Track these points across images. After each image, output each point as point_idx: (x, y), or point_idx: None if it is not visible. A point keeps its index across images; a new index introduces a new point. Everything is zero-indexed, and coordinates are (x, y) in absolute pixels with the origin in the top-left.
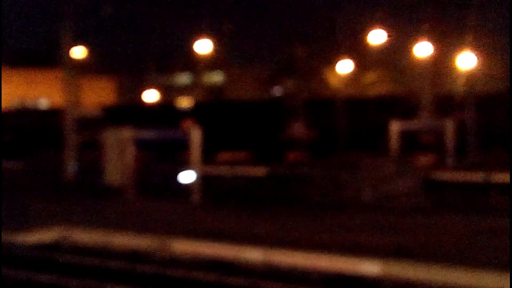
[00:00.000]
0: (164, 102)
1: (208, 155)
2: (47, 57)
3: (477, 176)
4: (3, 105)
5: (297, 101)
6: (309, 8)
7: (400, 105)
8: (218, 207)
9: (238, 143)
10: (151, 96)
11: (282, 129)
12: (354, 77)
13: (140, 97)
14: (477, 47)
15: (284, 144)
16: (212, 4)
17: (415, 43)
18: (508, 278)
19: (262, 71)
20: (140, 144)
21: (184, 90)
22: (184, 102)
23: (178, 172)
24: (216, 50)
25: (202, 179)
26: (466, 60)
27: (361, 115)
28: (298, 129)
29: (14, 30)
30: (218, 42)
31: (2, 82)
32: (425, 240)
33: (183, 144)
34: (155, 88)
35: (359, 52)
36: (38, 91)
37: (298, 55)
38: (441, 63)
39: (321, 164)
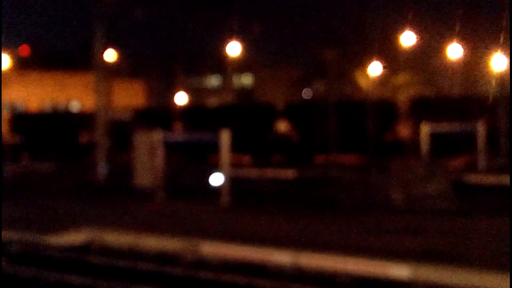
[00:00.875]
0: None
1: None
2: (79, 60)
3: (506, 178)
4: (34, 107)
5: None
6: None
7: (431, 107)
8: (247, 209)
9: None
10: (181, 98)
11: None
12: (384, 79)
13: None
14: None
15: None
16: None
17: (446, 45)
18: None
19: (291, 73)
20: (170, 147)
21: (213, 92)
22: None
23: (208, 174)
24: (245, 52)
25: (231, 181)
26: (499, 62)
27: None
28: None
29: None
30: (247, 44)
31: (35, 85)
32: (455, 243)
33: (213, 147)
34: (185, 90)
35: (390, 54)
36: (70, 94)
37: (329, 57)
38: (473, 65)
39: (352, 166)
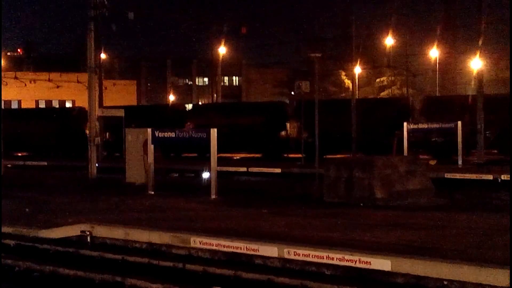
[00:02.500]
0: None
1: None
2: (72, 62)
3: (486, 175)
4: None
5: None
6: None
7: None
8: (234, 204)
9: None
10: (170, 97)
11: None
12: (367, 80)
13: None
14: (487, 52)
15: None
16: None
17: (427, 48)
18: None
19: (278, 74)
20: (160, 143)
21: (202, 92)
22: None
23: (197, 170)
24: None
25: (219, 177)
26: (476, 64)
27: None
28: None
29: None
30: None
31: (29, 85)
32: (435, 237)
33: (202, 144)
34: (174, 90)
35: (373, 55)
36: (64, 94)
37: (314, 58)
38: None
39: (335, 163)
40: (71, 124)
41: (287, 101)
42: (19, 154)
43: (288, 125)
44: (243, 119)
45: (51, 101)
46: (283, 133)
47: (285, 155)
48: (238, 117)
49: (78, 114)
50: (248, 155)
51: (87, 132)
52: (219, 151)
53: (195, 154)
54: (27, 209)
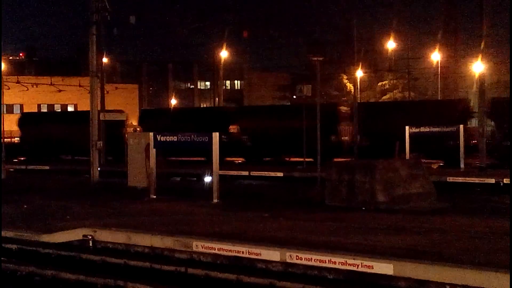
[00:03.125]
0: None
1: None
2: (74, 66)
3: (488, 178)
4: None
5: None
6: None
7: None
8: (235, 208)
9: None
10: (172, 101)
11: None
12: (369, 84)
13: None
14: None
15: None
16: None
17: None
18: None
19: (280, 78)
20: (163, 148)
21: (203, 96)
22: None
23: (199, 174)
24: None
25: (221, 180)
26: (478, 68)
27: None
28: None
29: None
30: (237, 49)
31: (31, 89)
32: (437, 241)
33: (205, 148)
34: (176, 94)
35: (375, 59)
36: (66, 98)
37: (316, 62)
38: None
39: (336, 167)
40: (111, 129)
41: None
42: (67, 158)
43: (340, 128)
44: (295, 122)
45: (53, 105)
46: (333, 137)
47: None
48: (290, 119)
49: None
50: (299, 159)
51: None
52: (270, 155)
53: (202, 158)
54: (28, 213)
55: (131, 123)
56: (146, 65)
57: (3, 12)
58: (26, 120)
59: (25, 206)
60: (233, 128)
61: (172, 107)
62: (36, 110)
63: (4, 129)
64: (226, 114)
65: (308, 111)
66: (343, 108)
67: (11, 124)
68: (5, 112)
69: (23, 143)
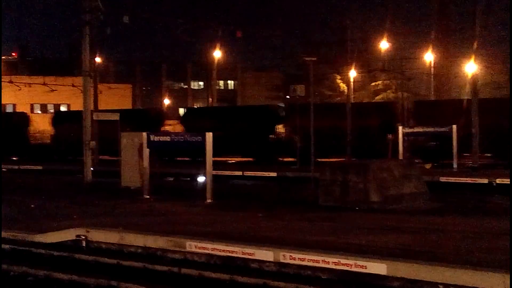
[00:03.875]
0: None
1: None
2: (67, 65)
3: (481, 179)
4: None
5: None
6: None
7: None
8: (229, 208)
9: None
10: (166, 101)
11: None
12: (362, 84)
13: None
14: (481, 56)
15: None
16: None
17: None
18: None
19: (273, 78)
20: (156, 148)
21: (197, 96)
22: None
23: (192, 174)
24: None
25: (215, 181)
26: (470, 68)
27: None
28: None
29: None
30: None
31: (24, 89)
32: (430, 241)
33: (198, 147)
34: (169, 94)
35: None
36: (59, 98)
37: (309, 62)
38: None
39: (330, 167)
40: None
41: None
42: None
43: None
44: (362, 121)
45: (46, 105)
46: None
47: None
48: (358, 119)
49: (157, 116)
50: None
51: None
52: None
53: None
54: (21, 214)
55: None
56: (139, 65)
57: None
58: (59, 118)
59: (17, 206)
60: (282, 127)
61: (217, 106)
62: (29, 110)
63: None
64: (274, 112)
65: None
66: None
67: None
68: None
69: (56, 143)
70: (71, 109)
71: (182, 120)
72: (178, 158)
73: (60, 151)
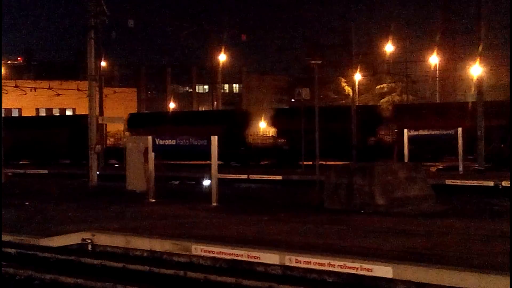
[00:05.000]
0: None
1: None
2: (72, 69)
3: (487, 181)
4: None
5: None
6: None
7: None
8: (234, 211)
9: None
10: (171, 105)
11: None
12: (367, 87)
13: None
14: (487, 58)
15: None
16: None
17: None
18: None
19: (278, 81)
20: (162, 151)
21: (202, 100)
22: None
23: (197, 178)
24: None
25: (220, 184)
26: (476, 71)
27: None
28: None
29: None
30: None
31: (29, 93)
32: (436, 244)
33: (203, 151)
34: (174, 97)
35: (373, 62)
36: (65, 102)
37: (314, 65)
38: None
39: (335, 170)
40: (234, 129)
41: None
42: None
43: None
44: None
45: (51, 109)
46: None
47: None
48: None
49: (241, 119)
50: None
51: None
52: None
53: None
54: (27, 217)
55: None
56: (144, 69)
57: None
58: (135, 120)
59: (23, 210)
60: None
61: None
62: (35, 114)
63: None
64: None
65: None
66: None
67: None
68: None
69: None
70: (77, 113)
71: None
72: (184, 162)
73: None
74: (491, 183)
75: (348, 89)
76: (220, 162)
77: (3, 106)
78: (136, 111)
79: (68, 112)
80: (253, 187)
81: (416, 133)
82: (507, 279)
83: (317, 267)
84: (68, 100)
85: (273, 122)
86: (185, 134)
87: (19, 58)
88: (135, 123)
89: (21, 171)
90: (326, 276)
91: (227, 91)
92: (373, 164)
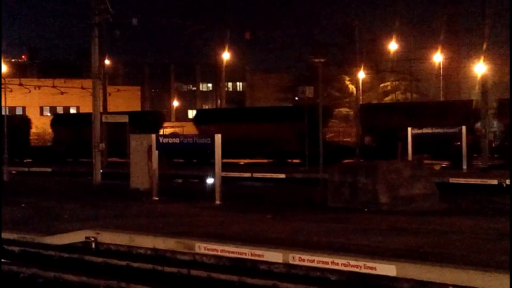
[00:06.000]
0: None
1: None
2: (76, 68)
3: (491, 180)
4: (32, 113)
5: None
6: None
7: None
8: (238, 210)
9: None
10: (174, 103)
11: None
12: (371, 85)
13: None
14: (491, 57)
15: None
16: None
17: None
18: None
19: (282, 79)
20: (165, 149)
21: (205, 98)
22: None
23: (201, 176)
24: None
25: (224, 182)
26: (480, 69)
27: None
28: None
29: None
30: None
31: (34, 91)
32: (439, 242)
33: (207, 150)
34: (178, 95)
35: (377, 60)
36: (68, 100)
37: (318, 64)
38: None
39: (339, 168)
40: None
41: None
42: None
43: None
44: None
45: (55, 107)
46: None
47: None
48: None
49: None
50: None
51: None
52: None
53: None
54: (31, 215)
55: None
56: (148, 67)
57: (3, 15)
58: (202, 117)
59: (27, 208)
60: None
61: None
62: (38, 113)
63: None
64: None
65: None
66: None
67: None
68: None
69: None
70: (81, 112)
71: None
72: (187, 160)
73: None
74: (495, 181)
75: (351, 87)
76: (297, 160)
77: (8, 104)
78: (139, 110)
79: (72, 110)
80: (257, 185)
81: (420, 131)
82: (509, 276)
83: (320, 265)
84: (72, 98)
85: (360, 119)
86: (253, 131)
87: (23, 56)
88: (202, 120)
89: (25, 169)
90: (330, 275)
91: (230, 89)
92: (377, 162)
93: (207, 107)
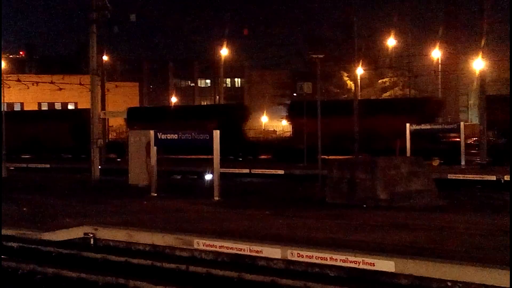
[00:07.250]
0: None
1: None
2: (74, 64)
3: (489, 176)
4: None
5: None
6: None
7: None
8: (237, 206)
9: None
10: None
11: None
12: (369, 81)
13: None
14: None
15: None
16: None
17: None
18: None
19: (280, 75)
20: (164, 145)
21: (204, 94)
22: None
23: (199, 172)
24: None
25: (222, 178)
26: (478, 65)
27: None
28: None
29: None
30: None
31: (32, 87)
32: (438, 238)
33: (205, 145)
34: (176, 91)
35: (375, 56)
36: (67, 96)
37: (316, 59)
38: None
39: (337, 164)
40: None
41: None
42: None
43: None
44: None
45: (53, 103)
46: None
47: None
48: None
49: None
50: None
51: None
52: None
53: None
54: (29, 212)
55: None
56: (146, 63)
57: (2, 11)
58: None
59: (26, 205)
60: None
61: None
62: (36, 109)
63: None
64: None
65: None
66: None
67: None
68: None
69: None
70: (79, 108)
71: None
72: (186, 156)
73: None
74: (493, 178)
75: (350, 83)
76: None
77: (6, 100)
78: (138, 106)
79: (70, 106)
80: (255, 182)
81: (418, 127)
82: (508, 273)
83: (319, 261)
84: (70, 94)
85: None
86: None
87: (21, 53)
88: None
89: (24, 165)
90: (328, 271)
91: (229, 85)
92: (375, 159)
93: (206, 103)
